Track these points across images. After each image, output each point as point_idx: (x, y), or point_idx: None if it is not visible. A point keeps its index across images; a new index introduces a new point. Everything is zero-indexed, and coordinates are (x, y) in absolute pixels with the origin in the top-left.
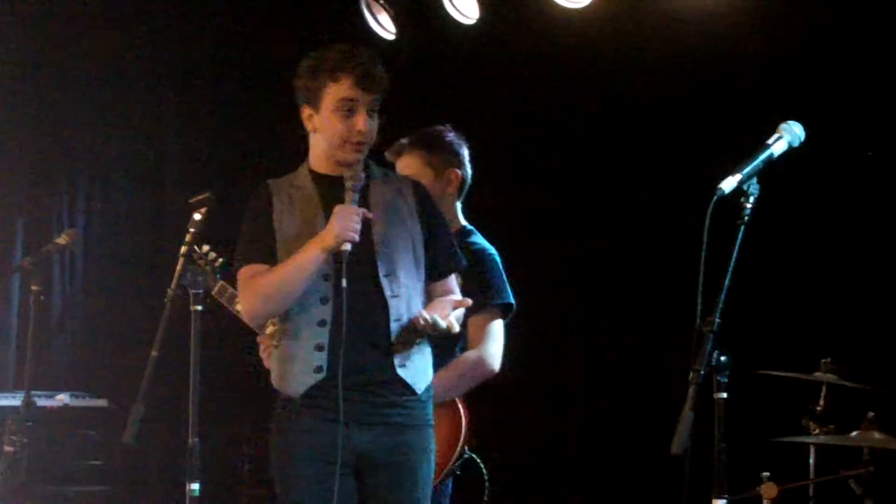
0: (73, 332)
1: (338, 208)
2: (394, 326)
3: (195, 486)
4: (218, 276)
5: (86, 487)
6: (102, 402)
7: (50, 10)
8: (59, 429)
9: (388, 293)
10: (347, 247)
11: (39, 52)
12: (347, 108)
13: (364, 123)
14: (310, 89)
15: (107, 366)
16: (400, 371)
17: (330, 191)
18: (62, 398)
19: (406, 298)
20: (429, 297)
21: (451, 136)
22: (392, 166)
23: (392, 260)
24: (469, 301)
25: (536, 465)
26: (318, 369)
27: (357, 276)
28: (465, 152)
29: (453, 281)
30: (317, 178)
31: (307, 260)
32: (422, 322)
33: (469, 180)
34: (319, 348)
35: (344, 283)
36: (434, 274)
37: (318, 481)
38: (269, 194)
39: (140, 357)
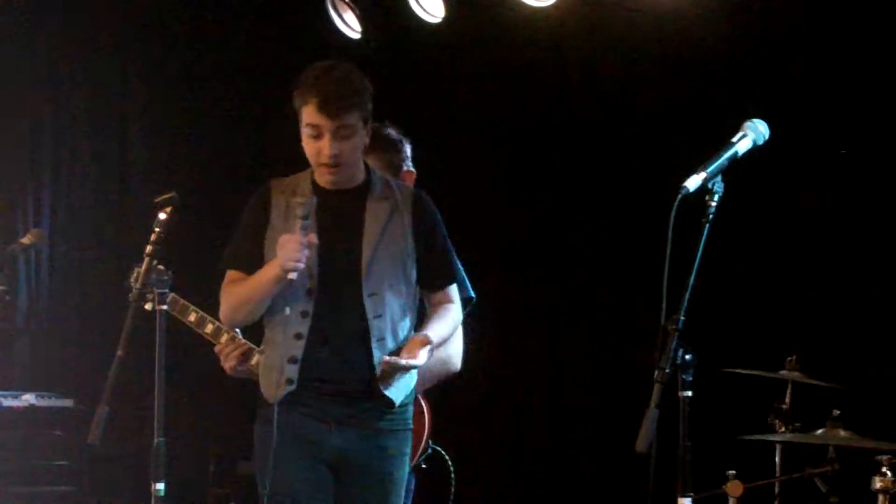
0: (39, 332)
1: (282, 238)
2: (375, 346)
3: (160, 486)
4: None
5: (51, 487)
6: (68, 403)
7: (15, 6)
8: (25, 429)
9: (370, 314)
10: (293, 276)
11: (3, 50)
12: (314, 134)
13: (328, 148)
14: (294, 108)
15: (72, 366)
16: (382, 387)
17: (328, 203)
18: (28, 398)
19: (390, 318)
20: (429, 304)
21: (395, 133)
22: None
23: (378, 280)
24: (431, 339)
25: (502, 462)
26: (289, 381)
27: (340, 294)
28: (409, 147)
29: (452, 290)
30: (316, 189)
31: (263, 282)
32: (383, 367)
33: None
34: (293, 361)
35: (267, 302)
36: (429, 286)
37: (300, 472)
38: (268, 199)
39: (106, 357)
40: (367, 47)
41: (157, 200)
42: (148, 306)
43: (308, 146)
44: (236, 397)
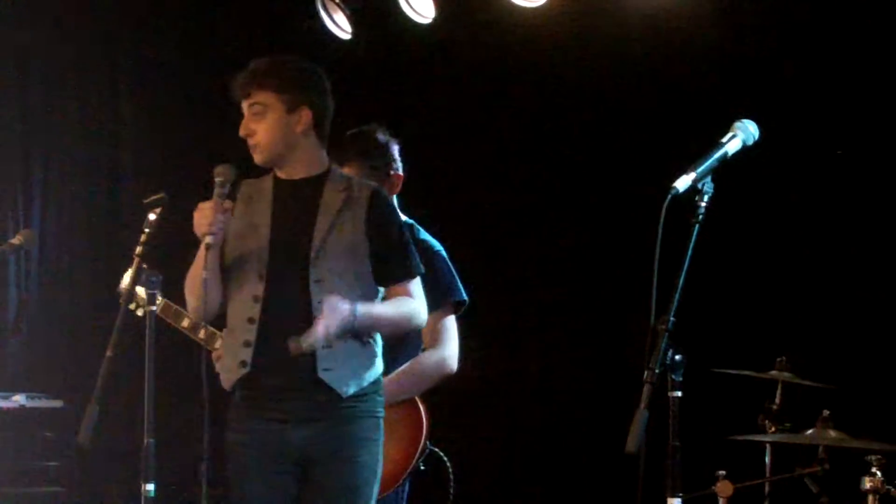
0: (29, 333)
1: (198, 206)
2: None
3: (150, 487)
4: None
5: (41, 488)
6: (58, 403)
7: (3, 6)
8: (15, 430)
9: (314, 299)
10: (208, 240)
11: None
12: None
13: (241, 126)
14: None
15: (63, 366)
16: (322, 374)
17: (283, 192)
18: (18, 399)
19: None
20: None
21: (382, 136)
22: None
23: (325, 268)
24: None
25: (491, 463)
26: (243, 364)
27: (287, 279)
28: (397, 148)
29: (412, 285)
30: (276, 180)
31: (196, 260)
32: (292, 350)
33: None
34: (247, 344)
35: (204, 274)
36: (385, 281)
37: (260, 478)
38: (234, 193)
39: (95, 358)
40: (357, 48)
41: (146, 201)
42: (139, 312)
43: None
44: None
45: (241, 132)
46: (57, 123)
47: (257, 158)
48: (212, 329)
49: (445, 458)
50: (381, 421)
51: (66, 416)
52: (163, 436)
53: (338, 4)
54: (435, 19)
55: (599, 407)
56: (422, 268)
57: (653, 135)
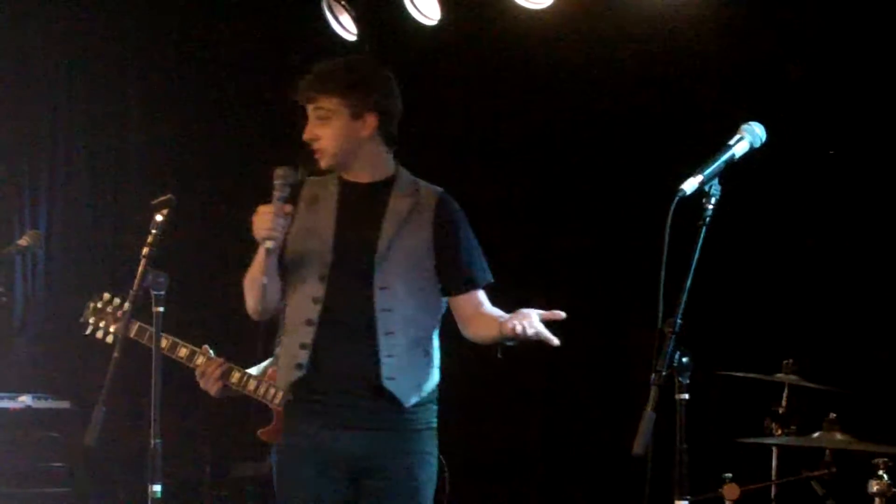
0: (36, 334)
1: (257, 209)
2: (382, 339)
3: (157, 488)
4: (131, 318)
5: (48, 489)
6: (65, 404)
7: (10, 8)
8: (22, 430)
9: (378, 306)
10: (268, 244)
11: (1, 52)
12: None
13: (306, 131)
14: None
15: (69, 368)
16: (387, 383)
17: (350, 195)
18: (24, 400)
19: (401, 314)
20: (458, 312)
21: None
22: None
23: (391, 274)
24: (562, 314)
25: (498, 465)
26: (299, 366)
27: (350, 283)
28: None
29: (482, 295)
30: (341, 182)
31: (255, 263)
32: (515, 331)
33: None
34: (303, 346)
35: (264, 280)
36: (455, 288)
37: (310, 483)
38: (298, 193)
39: (102, 359)
40: (362, 49)
41: (153, 202)
42: (106, 337)
43: None
44: (233, 400)
45: (305, 137)
46: (63, 125)
47: (322, 163)
48: (191, 347)
49: (442, 461)
50: (436, 432)
51: (72, 416)
52: (169, 437)
53: (343, 5)
54: (440, 21)
55: (606, 409)
56: (490, 276)
57: (659, 137)
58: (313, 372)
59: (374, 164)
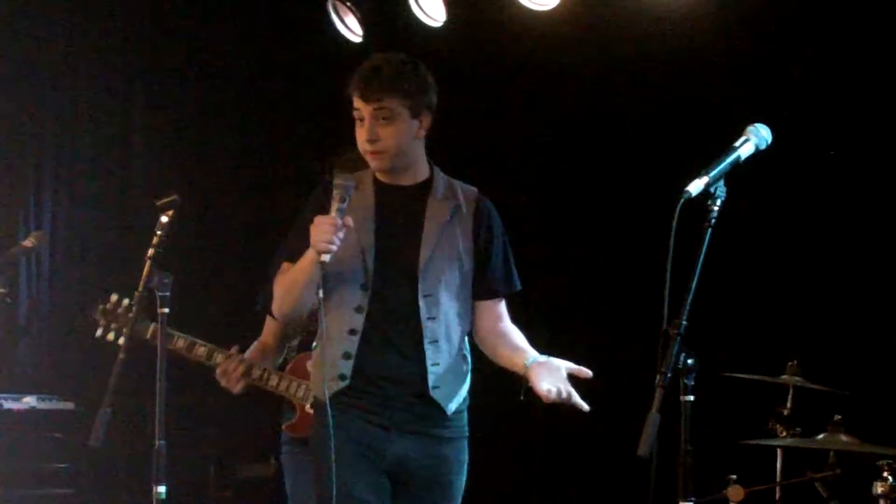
0: (40, 335)
1: (316, 219)
2: (428, 348)
3: (161, 489)
4: (143, 322)
5: (52, 490)
6: (69, 405)
7: (15, 8)
8: (26, 431)
9: (423, 314)
10: (325, 258)
11: (4, 51)
12: (359, 118)
13: (365, 134)
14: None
15: (74, 368)
16: (433, 392)
17: (388, 199)
18: (29, 401)
19: (444, 321)
20: (477, 316)
21: None
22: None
23: (434, 282)
24: (589, 373)
25: (501, 467)
26: (342, 377)
27: (394, 292)
28: None
29: (503, 307)
30: (378, 184)
31: (302, 267)
32: (549, 397)
33: None
34: (346, 356)
35: (320, 293)
36: (484, 293)
37: (363, 477)
38: (329, 192)
39: (107, 360)
40: (368, 51)
41: (158, 203)
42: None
43: (356, 134)
44: (238, 401)
45: (367, 137)
46: (68, 126)
47: (378, 165)
48: (210, 345)
49: None
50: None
51: (77, 417)
52: (174, 438)
53: (348, 7)
54: (445, 22)
55: (611, 410)
56: (518, 284)
57: (665, 138)
58: (356, 381)
59: (418, 165)
